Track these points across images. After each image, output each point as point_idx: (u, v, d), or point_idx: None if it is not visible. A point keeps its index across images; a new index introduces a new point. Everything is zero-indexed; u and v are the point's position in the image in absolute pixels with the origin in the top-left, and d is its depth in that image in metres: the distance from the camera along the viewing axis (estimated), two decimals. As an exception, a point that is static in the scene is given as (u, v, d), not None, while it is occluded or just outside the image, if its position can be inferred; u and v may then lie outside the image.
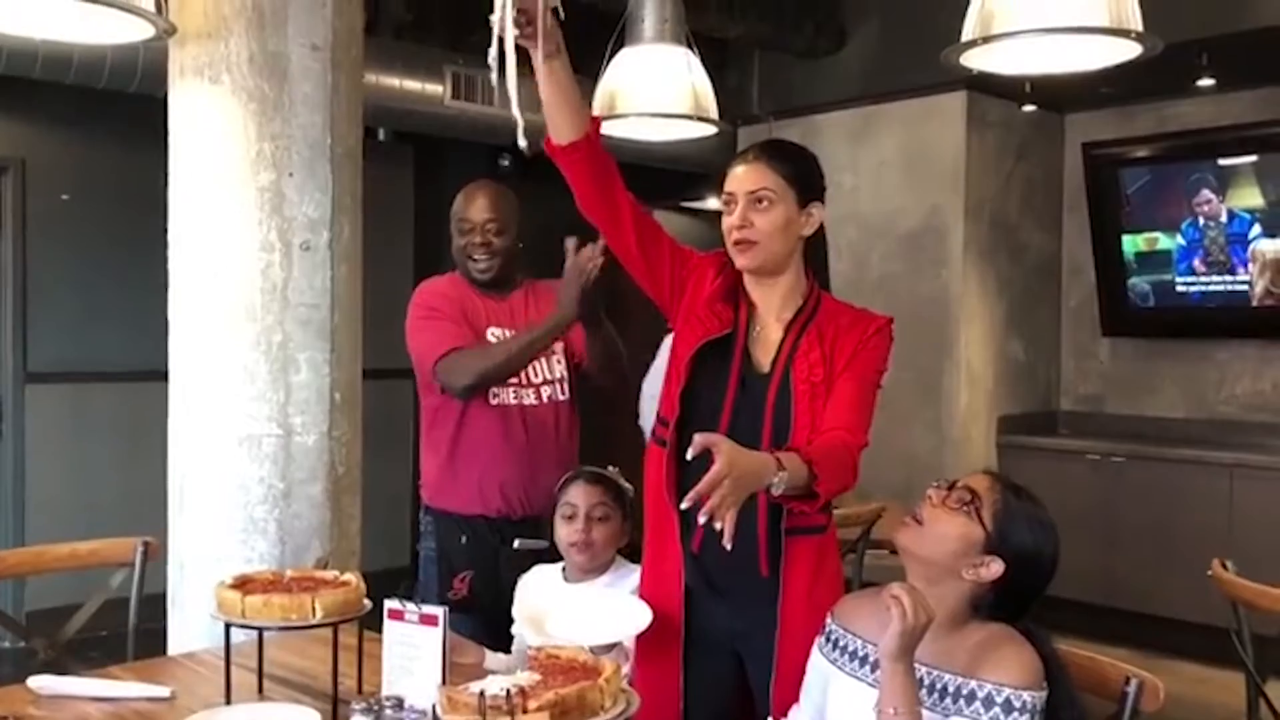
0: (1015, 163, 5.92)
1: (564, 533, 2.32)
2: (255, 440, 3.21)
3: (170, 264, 3.53)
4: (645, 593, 2.10)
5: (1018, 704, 1.58)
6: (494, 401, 2.71)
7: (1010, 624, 1.69)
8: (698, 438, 1.65)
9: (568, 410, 2.81)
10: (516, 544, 2.66)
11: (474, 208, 2.83)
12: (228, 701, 1.90)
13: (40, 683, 2.02)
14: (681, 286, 2.10)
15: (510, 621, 2.35)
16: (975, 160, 5.68)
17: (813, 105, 6.07)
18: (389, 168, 5.77)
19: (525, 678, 1.47)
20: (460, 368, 2.63)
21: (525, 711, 1.34)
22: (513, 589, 2.48)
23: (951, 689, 1.63)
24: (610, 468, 2.38)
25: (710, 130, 4.16)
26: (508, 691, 1.35)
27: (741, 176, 2.05)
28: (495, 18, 1.78)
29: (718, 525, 1.62)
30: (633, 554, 2.37)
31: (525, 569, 2.60)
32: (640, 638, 2.03)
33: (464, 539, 2.68)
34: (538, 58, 1.89)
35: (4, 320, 4.98)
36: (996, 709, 1.58)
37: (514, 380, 2.70)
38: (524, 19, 1.81)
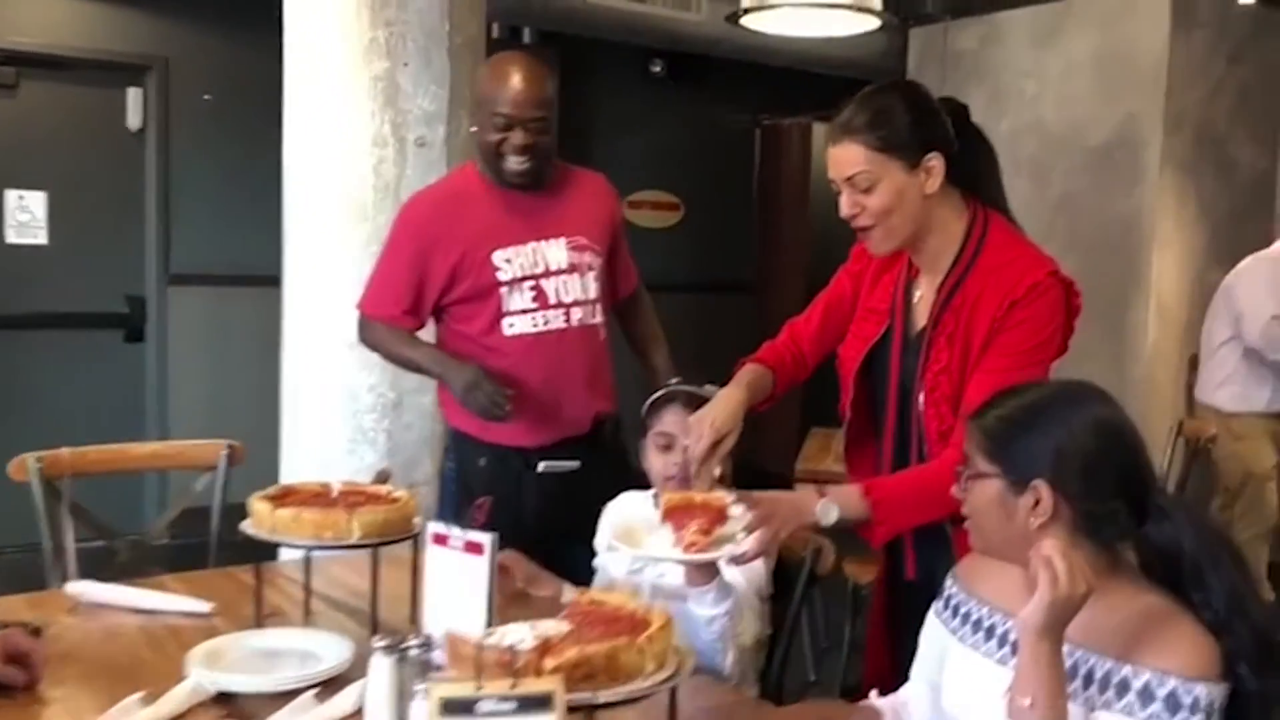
0: (1227, 66, 5.23)
1: (659, 465, 2.04)
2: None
3: (284, 162, 3.38)
4: None
5: (1187, 699, 1.21)
6: (510, 332, 2.34)
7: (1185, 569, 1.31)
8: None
9: (599, 334, 2.44)
10: (541, 466, 2.39)
11: (516, 98, 2.27)
12: (258, 624, 1.72)
13: (78, 589, 1.89)
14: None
15: (529, 551, 2.08)
16: (1180, 63, 5.04)
17: (995, 2, 5.51)
18: (533, 71, 5.51)
19: (554, 628, 1.20)
20: (368, 332, 2.50)
21: (538, 673, 1.07)
22: (536, 517, 2.26)
23: (1100, 675, 1.27)
24: (708, 386, 2.06)
25: (872, 24, 3.71)
26: (511, 647, 1.08)
27: (833, 162, 1.80)
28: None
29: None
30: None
31: (549, 493, 2.39)
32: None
33: (483, 461, 2.39)
34: None
35: (148, 222, 4.98)
36: (1157, 705, 1.22)
37: (534, 304, 2.34)
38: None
